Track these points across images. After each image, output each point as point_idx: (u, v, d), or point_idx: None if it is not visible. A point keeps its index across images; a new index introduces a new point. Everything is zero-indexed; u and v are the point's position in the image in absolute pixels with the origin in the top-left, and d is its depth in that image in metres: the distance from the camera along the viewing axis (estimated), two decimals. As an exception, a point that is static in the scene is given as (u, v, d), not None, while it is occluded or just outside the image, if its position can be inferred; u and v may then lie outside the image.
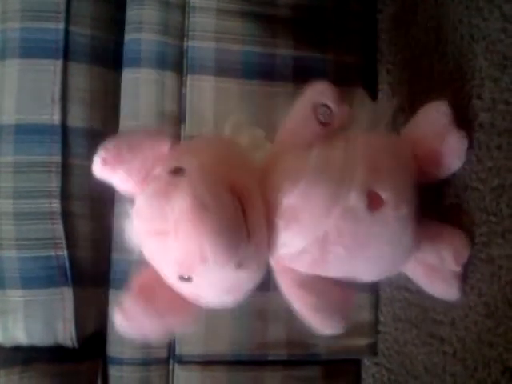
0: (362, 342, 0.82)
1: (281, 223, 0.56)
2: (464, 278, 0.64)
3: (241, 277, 0.54)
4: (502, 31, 0.60)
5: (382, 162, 0.58)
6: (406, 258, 0.62)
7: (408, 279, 0.72)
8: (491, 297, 0.61)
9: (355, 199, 0.55)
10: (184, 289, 0.54)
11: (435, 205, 0.66)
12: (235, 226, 0.49)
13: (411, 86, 0.76)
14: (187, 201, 0.47)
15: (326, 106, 0.58)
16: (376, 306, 0.82)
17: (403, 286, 0.75)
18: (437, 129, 0.62)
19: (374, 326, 0.82)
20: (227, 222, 0.48)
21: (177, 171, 0.51)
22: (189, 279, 0.52)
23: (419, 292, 0.70)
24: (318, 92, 0.59)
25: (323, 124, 0.59)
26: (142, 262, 0.55)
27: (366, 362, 0.83)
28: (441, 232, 0.64)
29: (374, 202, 0.56)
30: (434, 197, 0.68)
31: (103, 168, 0.54)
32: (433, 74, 0.72)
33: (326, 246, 0.56)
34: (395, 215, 0.57)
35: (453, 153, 0.62)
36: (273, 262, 0.61)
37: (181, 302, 0.55)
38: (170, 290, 0.54)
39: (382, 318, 0.81)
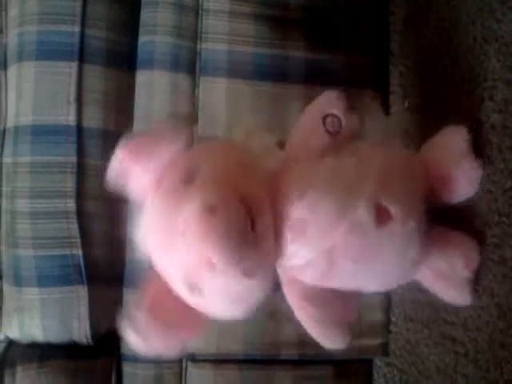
0: (374, 342, 0.82)
1: (289, 234, 0.56)
2: (475, 281, 0.63)
3: (248, 286, 0.53)
4: (515, 33, 0.60)
5: (393, 176, 0.58)
6: (414, 269, 0.62)
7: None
8: (503, 298, 0.61)
9: (363, 213, 0.55)
10: (193, 301, 0.54)
11: (447, 207, 0.66)
12: (242, 232, 0.49)
13: (423, 87, 0.76)
14: (197, 203, 0.48)
15: (334, 115, 0.58)
16: (388, 306, 0.82)
17: (415, 286, 0.74)
18: (454, 153, 0.62)
19: (386, 326, 0.82)
20: (235, 227, 0.48)
21: (188, 178, 0.52)
22: (198, 291, 0.52)
23: (430, 292, 0.70)
24: (327, 101, 0.59)
25: (332, 134, 0.58)
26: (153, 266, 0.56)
27: (378, 362, 0.83)
28: (450, 238, 0.64)
29: (382, 216, 0.56)
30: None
31: (121, 165, 0.54)
32: (445, 76, 0.71)
33: (333, 258, 0.56)
34: (403, 230, 0.57)
35: (466, 180, 0.62)
36: (280, 272, 0.61)
37: (191, 314, 0.55)
38: (180, 301, 0.54)
39: (393, 319, 0.81)
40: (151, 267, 0.55)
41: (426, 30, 0.77)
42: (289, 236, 0.56)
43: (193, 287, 0.52)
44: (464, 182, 0.62)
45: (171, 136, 0.57)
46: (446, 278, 0.64)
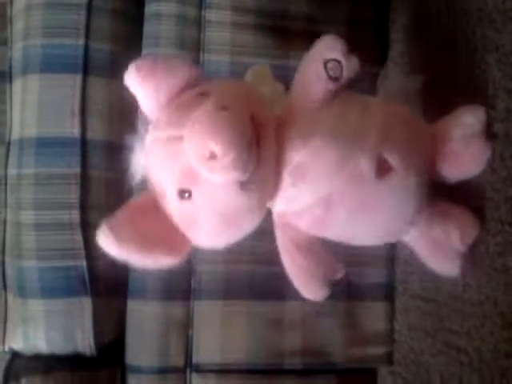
0: (378, 350, 0.82)
1: (288, 179, 0.56)
2: (467, 257, 0.63)
3: (242, 204, 0.52)
4: (515, 43, 0.60)
5: (397, 130, 0.58)
6: (408, 226, 0.62)
7: (423, 288, 0.73)
8: (507, 307, 0.61)
9: (364, 164, 0.55)
10: (181, 210, 0.53)
11: (447, 185, 0.66)
12: (248, 141, 0.49)
13: (425, 96, 0.76)
14: (210, 104, 0.48)
15: (335, 60, 0.57)
16: (391, 314, 0.82)
17: (418, 295, 0.75)
18: (466, 131, 0.60)
19: (390, 335, 0.82)
20: (242, 129, 0.48)
21: (203, 92, 0.52)
22: (189, 196, 0.51)
23: (434, 301, 0.70)
24: (327, 47, 0.58)
25: (334, 79, 0.58)
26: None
27: (382, 371, 0.83)
28: (451, 209, 0.63)
29: (382, 168, 0.56)
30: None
31: (135, 76, 0.54)
32: (446, 85, 0.72)
33: (329, 206, 0.57)
34: (402, 184, 0.57)
35: (474, 158, 0.61)
36: (275, 216, 0.61)
37: (173, 234, 0.54)
38: (164, 217, 0.53)
39: (397, 327, 0.81)
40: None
41: (427, 39, 0.77)
42: (288, 180, 0.56)
43: (184, 194, 0.51)
44: (471, 159, 0.61)
45: (191, 66, 0.58)
46: (439, 247, 0.63)
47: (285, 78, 0.81)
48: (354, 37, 0.84)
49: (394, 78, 0.66)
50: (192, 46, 0.82)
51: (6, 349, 0.84)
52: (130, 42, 0.85)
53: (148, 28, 0.84)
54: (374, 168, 0.55)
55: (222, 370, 0.81)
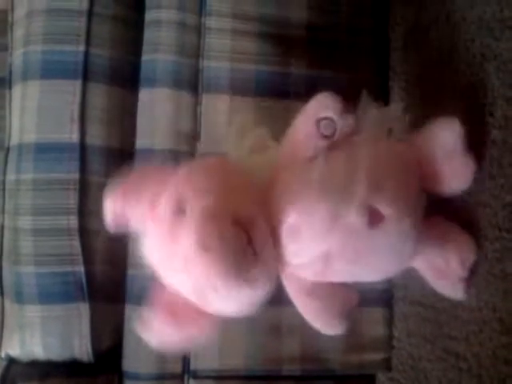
0: (377, 357, 0.82)
1: (286, 237, 0.57)
2: (470, 280, 0.64)
3: (254, 292, 0.55)
4: (513, 51, 0.61)
5: (385, 176, 0.58)
6: (408, 261, 0.63)
7: (422, 294, 0.73)
8: (506, 313, 0.61)
9: (355, 216, 0.55)
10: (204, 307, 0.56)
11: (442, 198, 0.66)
12: (240, 252, 0.52)
13: (424, 103, 0.77)
14: (192, 243, 0.51)
15: (329, 118, 0.58)
16: (390, 320, 0.82)
17: (417, 301, 0.75)
18: (446, 147, 0.61)
19: (389, 341, 0.82)
20: (232, 253, 0.51)
21: (179, 209, 0.54)
22: (207, 301, 0.55)
23: (433, 307, 0.71)
24: (321, 105, 0.58)
25: (326, 137, 0.58)
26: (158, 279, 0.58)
27: (381, 377, 0.83)
28: (448, 234, 0.64)
29: (375, 218, 0.56)
30: (446, 214, 0.68)
31: (115, 205, 0.59)
32: (445, 92, 0.72)
33: (328, 260, 0.58)
34: (397, 228, 0.57)
35: (458, 175, 0.61)
36: (281, 271, 0.62)
37: (200, 313, 0.57)
38: (190, 303, 0.57)
39: (396, 333, 0.81)
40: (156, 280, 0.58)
41: (426, 47, 0.78)
42: (286, 241, 0.57)
43: (202, 299, 0.55)
44: (455, 176, 0.61)
45: (156, 171, 0.62)
46: (441, 273, 0.64)
47: (284, 85, 0.82)
48: (353, 45, 0.86)
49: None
50: (192, 53, 0.82)
51: (3, 355, 0.83)
52: (130, 48, 0.86)
53: (148, 34, 0.84)
54: (365, 220, 0.56)
55: (220, 377, 0.80)
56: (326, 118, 0.57)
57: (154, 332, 0.57)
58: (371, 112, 0.64)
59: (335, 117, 0.57)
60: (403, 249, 0.59)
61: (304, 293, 0.62)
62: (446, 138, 0.61)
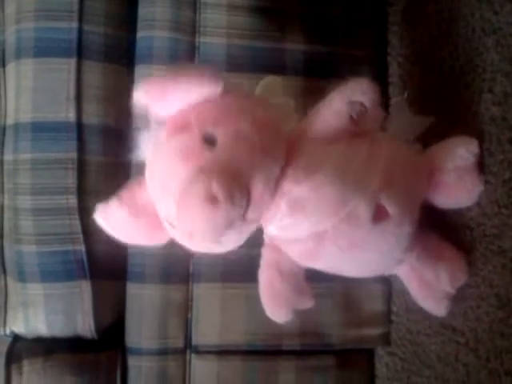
0: (376, 331, 0.83)
1: (287, 208, 0.57)
2: (456, 300, 0.66)
3: (222, 248, 0.58)
4: (514, 25, 0.60)
5: (399, 176, 0.59)
6: (395, 266, 0.65)
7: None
8: (503, 288, 0.61)
9: (363, 209, 0.56)
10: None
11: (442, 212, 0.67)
12: (230, 225, 0.53)
13: (422, 79, 0.76)
14: (200, 192, 0.51)
15: (362, 104, 0.58)
16: (389, 296, 0.83)
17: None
18: (459, 164, 0.62)
19: (387, 316, 0.83)
20: (231, 219, 0.52)
21: (208, 141, 0.54)
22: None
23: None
24: (359, 88, 0.58)
25: (354, 121, 0.58)
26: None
27: (380, 351, 0.84)
28: (442, 251, 0.66)
29: (379, 214, 0.57)
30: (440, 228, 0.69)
31: (145, 99, 0.57)
32: (444, 68, 0.71)
33: (321, 241, 0.58)
34: (395, 231, 0.58)
35: (465, 192, 0.63)
36: (266, 237, 0.63)
37: (160, 227, 0.60)
38: (157, 216, 0.59)
39: (394, 309, 0.82)
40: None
41: (425, 21, 0.77)
42: (287, 210, 0.57)
43: (172, 228, 0.57)
44: (463, 194, 0.63)
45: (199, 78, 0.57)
46: (428, 287, 0.66)
47: (281, 60, 0.81)
48: (350, 19, 0.85)
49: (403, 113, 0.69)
50: (187, 29, 0.81)
51: (8, 332, 0.84)
52: (124, 24, 0.84)
53: (143, 10, 0.83)
54: (371, 213, 0.56)
55: (222, 351, 0.81)
56: (359, 103, 0.58)
57: (111, 220, 0.61)
58: (402, 116, 0.66)
59: (368, 104, 0.58)
60: (394, 252, 0.61)
61: (276, 268, 0.62)
62: (461, 155, 0.62)
